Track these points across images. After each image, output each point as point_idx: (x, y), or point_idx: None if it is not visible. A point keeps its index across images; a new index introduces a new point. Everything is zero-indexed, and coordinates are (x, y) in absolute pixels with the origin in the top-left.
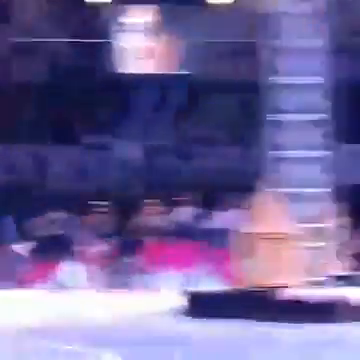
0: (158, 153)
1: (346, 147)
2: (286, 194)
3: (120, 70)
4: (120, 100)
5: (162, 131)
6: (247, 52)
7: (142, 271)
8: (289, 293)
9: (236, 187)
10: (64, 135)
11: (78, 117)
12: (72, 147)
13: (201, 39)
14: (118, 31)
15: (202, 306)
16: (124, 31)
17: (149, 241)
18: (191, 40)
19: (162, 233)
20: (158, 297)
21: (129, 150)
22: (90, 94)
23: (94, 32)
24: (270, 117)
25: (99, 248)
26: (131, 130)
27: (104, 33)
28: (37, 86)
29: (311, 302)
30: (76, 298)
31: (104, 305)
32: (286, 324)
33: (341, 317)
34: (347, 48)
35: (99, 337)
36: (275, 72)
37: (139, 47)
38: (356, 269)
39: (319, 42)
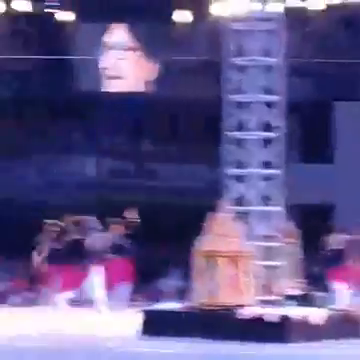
0: (119, 172)
1: (300, 166)
2: (242, 212)
3: (86, 88)
4: (83, 118)
5: (124, 150)
6: (210, 69)
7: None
8: (246, 312)
9: (197, 206)
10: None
11: (40, 133)
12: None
13: (166, 56)
14: (86, 49)
15: (159, 324)
16: (92, 49)
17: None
18: (155, 57)
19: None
20: (115, 315)
21: (91, 168)
22: (54, 111)
23: (62, 50)
24: (229, 135)
25: None
26: (93, 148)
27: (71, 51)
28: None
29: (267, 321)
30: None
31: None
32: (243, 342)
33: (296, 336)
34: (304, 67)
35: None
36: (234, 89)
37: (104, 65)
38: (308, 288)
39: (277, 61)
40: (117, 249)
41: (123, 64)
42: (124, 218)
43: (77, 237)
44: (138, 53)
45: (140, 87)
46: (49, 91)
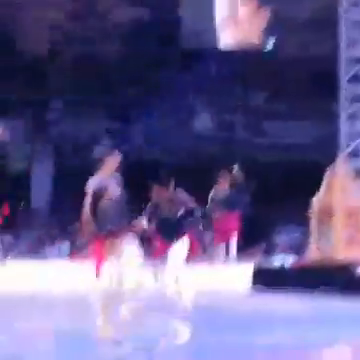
0: (231, 127)
1: None
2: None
3: (196, 42)
4: (195, 71)
5: (235, 104)
6: (325, 24)
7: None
8: None
9: (311, 162)
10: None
11: (154, 87)
12: (147, 117)
13: (279, 11)
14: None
15: (272, 279)
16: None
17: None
18: (269, 10)
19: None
20: (229, 270)
21: (203, 123)
22: (166, 64)
23: (173, 4)
24: (345, 90)
25: None
26: (206, 103)
27: (182, 5)
28: (113, 55)
29: None
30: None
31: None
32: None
33: None
34: None
35: (168, 308)
36: (351, 45)
37: (218, 18)
38: None
39: None
40: (226, 203)
41: (237, 17)
42: (231, 172)
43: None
44: (252, 6)
45: (253, 40)
46: (161, 46)
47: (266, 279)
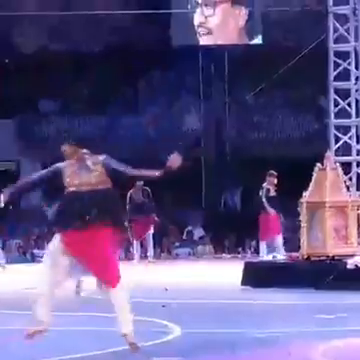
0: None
1: None
2: (346, 162)
3: (181, 41)
4: (183, 70)
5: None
6: (310, 19)
7: None
8: (354, 262)
9: (300, 157)
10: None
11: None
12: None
13: (267, 7)
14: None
15: (264, 275)
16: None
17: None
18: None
19: None
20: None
21: (194, 120)
22: (154, 64)
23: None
24: (334, 85)
25: None
26: (194, 102)
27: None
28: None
29: None
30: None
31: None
32: (351, 292)
33: None
34: None
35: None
36: (339, 39)
37: (196, 22)
38: None
39: None
40: (275, 202)
41: (212, 20)
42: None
43: None
44: (227, 5)
45: (233, 39)
46: (148, 44)
47: (257, 276)
